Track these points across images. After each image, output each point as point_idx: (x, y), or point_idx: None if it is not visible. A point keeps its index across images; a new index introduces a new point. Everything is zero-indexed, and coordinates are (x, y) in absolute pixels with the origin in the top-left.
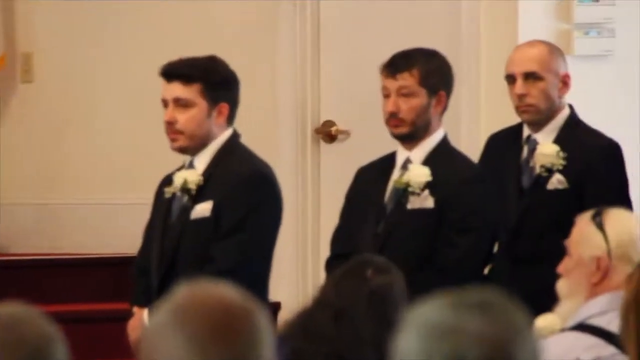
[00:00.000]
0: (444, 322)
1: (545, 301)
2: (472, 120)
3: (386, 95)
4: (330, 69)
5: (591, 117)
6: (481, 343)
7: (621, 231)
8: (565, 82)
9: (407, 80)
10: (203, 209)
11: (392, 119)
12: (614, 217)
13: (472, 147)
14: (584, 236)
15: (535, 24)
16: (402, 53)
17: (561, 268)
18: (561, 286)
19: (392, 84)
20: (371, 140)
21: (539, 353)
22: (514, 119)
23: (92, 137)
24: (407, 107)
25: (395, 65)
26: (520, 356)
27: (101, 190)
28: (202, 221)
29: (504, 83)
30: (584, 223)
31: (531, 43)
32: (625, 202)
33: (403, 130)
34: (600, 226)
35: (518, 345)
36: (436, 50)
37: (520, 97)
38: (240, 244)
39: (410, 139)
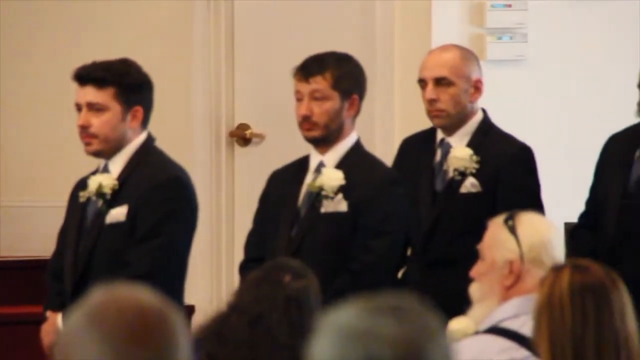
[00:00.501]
0: (357, 326)
1: (459, 304)
2: (386, 123)
3: (299, 99)
4: (244, 72)
5: (504, 121)
6: (394, 346)
7: (533, 235)
8: (477, 87)
9: (319, 83)
10: (118, 214)
11: (305, 122)
12: (527, 220)
13: (386, 151)
14: (497, 240)
15: (449, 29)
16: (315, 57)
17: (474, 272)
18: (474, 290)
19: (305, 88)
20: (285, 144)
21: (451, 356)
22: (427, 123)
23: (5, 140)
24: (320, 111)
25: (308, 68)
26: (432, 358)
27: (15, 192)
28: (117, 226)
29: (418, 87)
30: (496, 227)
31: (444, 48)
32: (536, 206)
33: (316, 133)
34: (513, 230)
35: (430, 348)
36: (349, 54)
37: (431, 102)
38: (155, 249)
39: (323, 142)
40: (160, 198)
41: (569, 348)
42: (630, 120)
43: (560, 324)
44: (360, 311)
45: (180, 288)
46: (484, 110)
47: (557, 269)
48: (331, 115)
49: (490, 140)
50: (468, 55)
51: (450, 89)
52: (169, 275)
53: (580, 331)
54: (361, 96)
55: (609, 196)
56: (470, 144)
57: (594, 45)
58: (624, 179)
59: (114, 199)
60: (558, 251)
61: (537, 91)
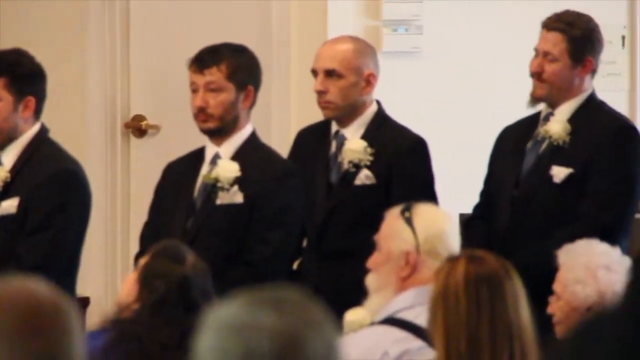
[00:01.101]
0: (237, 319)
1: (354, 296)
2: (282, 115)
3: (194, 90)
4: (140, 63)
5: (400, 113)
6: (273, 338)
7: (429, 226)
8: (369, 81)
9: (214, 75)
10: (9, 206)
11: (201, 114)
12: (423, 212)
13: (282, 143)
14: (393, 231)
15: (345, 20)
16: (210, 48)
17: (370, 262)
18: (370, 281)
19: (200, 79)
20: (181, 135)
21: (335, 347)
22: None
23: None
24: (215, 102)
25: (203, 60)
26: (312, 349)
27: None
28: (8, 218)
29: (314, 79)
30: (393, 218)
31: (339, 40)
32: (430, 197)
33: (211, 125)
34: (409, 221)
35: (311, 339)
36: (244, 46)
37: (319, 93)
38: (46, 242)
39: (218, 134)
40: (52, 191)
41: (463, 338)
42: (522, 112)
43: (455, 314)
44: (241, 304)
45: (71, 281)
46: (378, 103)
47: (452, 260)
48: (226, 107)
49: (385, 132)
50: (362, 49)
51: (340, 82)
52: (59, 268)
53: (475, 321)
54: (256, 87)
55: (501, 187)
56: (364, 136)
57: (487, 37)
58: (516, 170)
59: (6, 191)
60: (453, 242)
61: (432, 83)
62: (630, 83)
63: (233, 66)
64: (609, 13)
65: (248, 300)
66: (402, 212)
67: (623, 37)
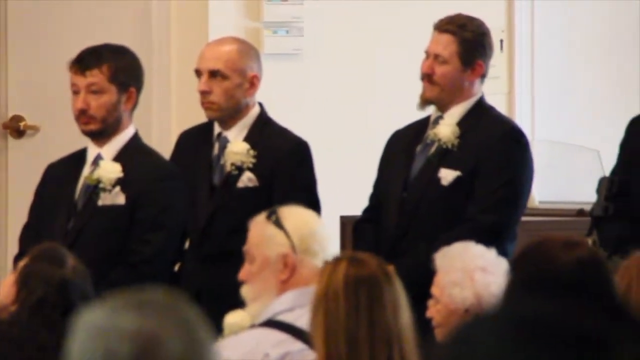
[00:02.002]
0: (99, 321)
1: (236, 298)
2: (163, 117)
3: (75, 92)
4: (18, 62)
5: (281, 116)
6: (132, 340)
7: (300, 225)
8: (253, 83)
9: (96, 77)
10: None
11: (82, 116)
12: (291, 214)
13: (162, 144)
14: (265, 237)
15: (226, 22)
16: (91, 50)
17: (243, 274)
18: (246, 292)
19: (82, 81)
20: (61, 136)
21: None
22: (205, 117)
23: None
24: (97, 104)
25: (84, 62)
26: (173, 351)
27: None
28: None
29: (195, 80)
30: (260, 225)
31: (223, 40)
32: (312, 199)
33: (93, 127)
34: (279, 224)
35: (171, 340)
36: (125, 47)
37: (203, 93)
38: None
39: (100, 135)
40: None
41: (342, 341)
42: (405, 114)
43: (335, 316)
44: (106, 307)
45: None
46: (261, 105)
47: (334, 262)
48: (108, 109)
49: (267, 135)
50: (247, 50)
51: (224, 83)
52: None
53: (354, 324)
54: (139, 89)
55: (390, 190)
56: (247, 139)
57: (368, 39)
58: (406, 173)
59: None
60: (326, 240)
61: (314, 85)
62: (508, 86)
63: (115, 68)
64: (487, 17)
65: (113, 303)
66: (269, 217)
67: (501, 41)
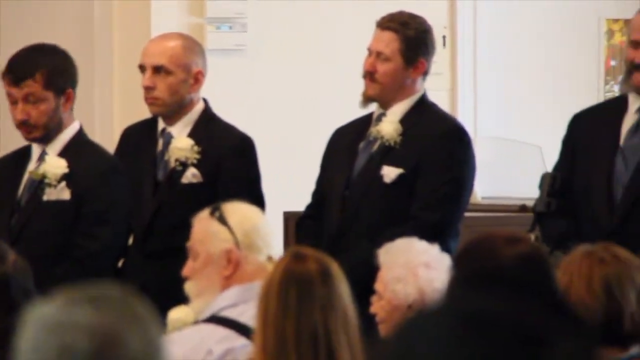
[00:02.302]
0: (54, 317)
1: (180, 294)
2: (105, 113)
3: (13, 102)
4: None
5: (225, 111)
6: (90, 335)
7: (244, 221)
8: (197, 79)
9: (31, 87)
10: None
11: (24, 126)
12: (234, 209)
13: (105, 140)
14: (208, 233)
15: (168, 17)
16: (21, 58)
17: (187, 271)
18: (190, 288)
19: (17, 92)
20: (4, 135)
21: (157, 344)
22: (148, 112)
23: None
24: (36, 113)
25: (16, 73)
26: (131, 346)
27: None
28: None
29: (138, 76)
30: (204, 221)
31: (168, 36)
32: (256, 195)
33: (37, 134)
34: (222, 220)
35: (130, 336)
36: (55, 46)
37: (147, 89)
38: None
39: (44, 140)
40: None
41: (272, 337)
42: (348, 111)
43: (269, 312)
44: (59, 302)
45: None
46: (205, 101)
47: (282, 257)
48: (49, 115)
49: (212, 131)
50: (191, 46)
51: (168, 78)
52: None
53: (282, 321)
54: (74, 87)
55: (333, 187)
56: (191, 134)
57: (312, 35)
58: (348, 170)
59: None
60: (270, 236)
61: (257, 81)
62: (451, 82)
63: (48, 74)
64: (429, 13)
65: (66, 298)
66: (212, 213)
67: (444, 37)
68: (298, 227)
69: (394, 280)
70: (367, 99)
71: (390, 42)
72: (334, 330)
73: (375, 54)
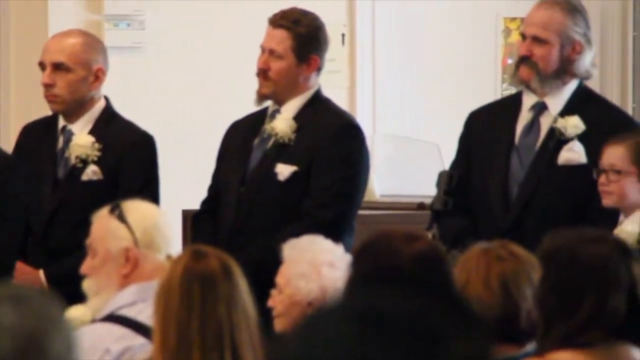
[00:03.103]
0: None
1: (78, 292)
2: (2, 110)
3: None
4: None
5: (126, 109)
6: (13, 335)
7: (144, 219)
8: (97, 76)
9: None
10: None
11: None
12: (134, 207)
13: (2, 138)
14: (108, 231)
15: (66, 14)
16: None
17: (85, 268)
18: (88, 285)
19: None
20: None
21: (74, 343)
22: (45, 110)
23: None
24: None
25: None
26: (54, 346)
27: None
28: None
29: (35, 73)
30: (103, 218)
31: (68, 33)
32: (154, 193)
33: None
34: (122, 218)
35: (52, 336)
36: None
37: (46, 86)
38: None
39: None
40: None
41: (174, 334)
42: (248, 107)
43: (170, 310)
44: None
45: None
46: (106, 98)
47: (180, 255)
48: None
49: (113, 128)
50: (92, 43)
51: (68, 76)
52: None
53: (186, 318)
54: None
55: (228, 183)
56: (92, 132)
57: (210, 33)
58: (243, 166)
59: None
60: (170, 234)
61: (155, 78)
62: (350, 80)
63: None
64: (328, 11)
65: None
66: (112, 211)
67: (343, 35)
68: (194, 222)
69: (297, 276)
70: (261, 97)
71: (282, 40)
72: (238, 326)
73: (268, 52)
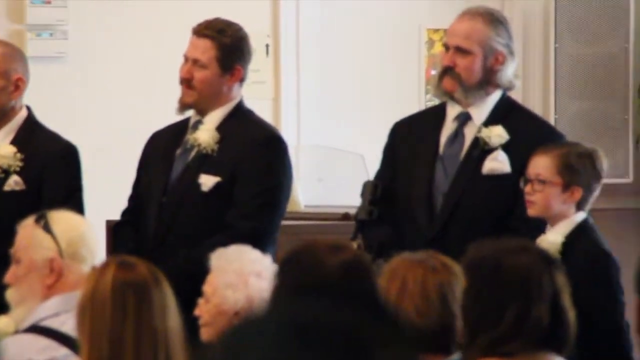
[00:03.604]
0: None
1: (2, 303)
2: None
3: None
4: None
5: (49, 119)
6: None
7: (70, 230)
8: (18, 85)
9: None
10: None
11: None
12: (59, 218)
13: None
14: (33, 241)
15: None
16: None
17: (9, 277)
18: (11, 295)
19: None
20: None
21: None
22: None
23: None
24: None
25: None
26: None
27: None
28: None
29: None
30: (28, 228)
31: None
32: (78, 204)
33: None
34: (48, 228)
35: None
36: None
37: None
38: None
39: None
40: None
41: (106, 344)
42: (171, 118)
43: (101, 319)
44: None
45: None
46: (28, 108)
47: (102, 266)
48: None
49: (35, 138)
50: (11, 52)
51: None
52: None
53: (120, 327)
54: None
55: (150, 193)
56: (14, 142)
57: (132, 43)
58: (165, 176)
59: None
60: (95, 246)
61: (79, 88)
62: (274, 92)
63: None
64: (252, 21)
65: None
66: (38, 221)
67: (267, 46)
68: (115, 232)
69: (224, 285)
70: (183, 106)
71: (206, 50)
72: (171, 333)
73: (192, 61)
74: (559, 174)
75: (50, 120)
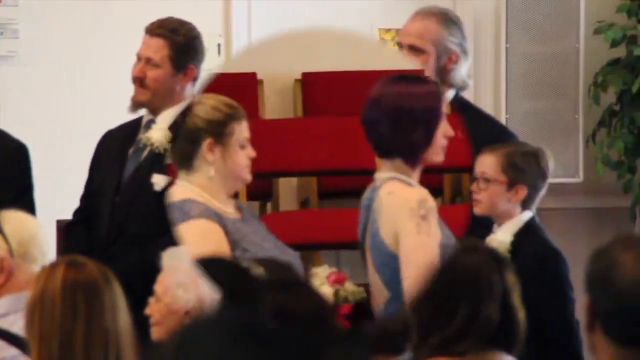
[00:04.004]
0: None
1: None
2: None
3: None
4: None
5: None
6: None
7: (20, 230)
8: None
9: None
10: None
11: None
12: (10, 217)
13: None
14: None
15: None
16: None
17: None
18: None
19: None
20: None
21: None
22: None
23: None
24: None
25: None
26: None
27: None
28: None
29: None
30: None
31: None
32: (28, 203)
33: None
34: None
35: None
36: None
37: None
38: None
39: None
40: None
41: (56, 343)
42: (125, 117)
43: (50, 319)
44: None
45: None
46: None
47: (52, 266)
48: None
49: None
50: None
51: None
52: None
53: (70, 327)
54: None
55: (102, 193)
56: None
57: (84, 41)
58: (118, 175)
59: None
60: (46, 246)
61: (29, 87)
62: None
63: None
64: (204, 21)
65: None
66: None
67: (219, 45)
68: (67, 232)
69: (175, 284)
70: (136, 105)
71: (159, 49)
72: (122, 333)
73: (145, 60)
74: (504, 172)
75: (1, 118)
